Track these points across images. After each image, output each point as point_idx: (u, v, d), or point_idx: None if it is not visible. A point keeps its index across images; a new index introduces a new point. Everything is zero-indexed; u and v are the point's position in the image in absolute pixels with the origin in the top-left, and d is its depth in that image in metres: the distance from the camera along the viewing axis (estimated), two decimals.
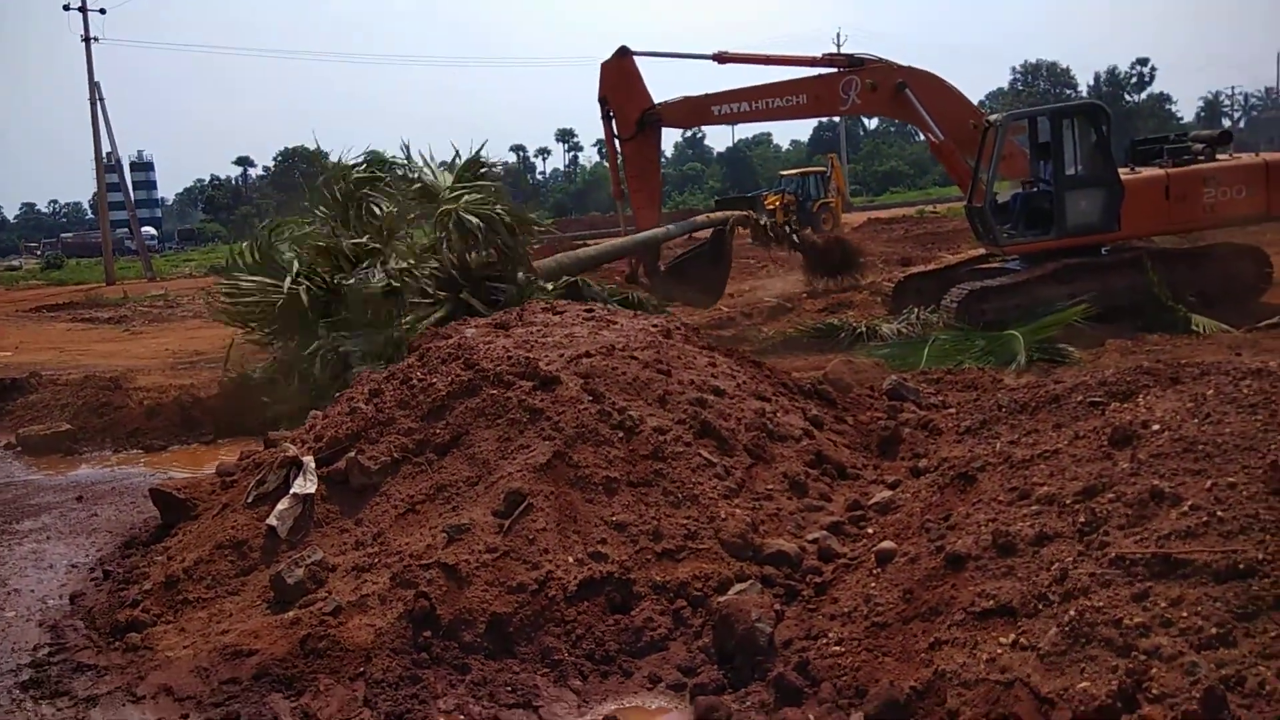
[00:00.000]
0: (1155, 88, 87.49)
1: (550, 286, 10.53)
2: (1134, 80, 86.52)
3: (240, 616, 4.60)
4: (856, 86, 13.31)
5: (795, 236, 15.71)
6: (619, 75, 13.60)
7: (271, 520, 5.05)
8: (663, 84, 13.81)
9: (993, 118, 12.35)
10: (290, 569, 4.61)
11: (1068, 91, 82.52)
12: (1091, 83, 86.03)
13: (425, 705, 3.82)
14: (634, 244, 13.50)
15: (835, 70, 13.50)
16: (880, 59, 13.45)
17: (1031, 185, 12.42)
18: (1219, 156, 12.03)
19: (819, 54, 13.77)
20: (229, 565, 5.00)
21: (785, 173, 37.90)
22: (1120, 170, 11.71)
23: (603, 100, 13.74)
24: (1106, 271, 11.46)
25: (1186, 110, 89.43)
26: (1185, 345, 9.82)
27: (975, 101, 14.59)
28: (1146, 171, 11.85)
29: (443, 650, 4.09)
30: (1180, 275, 11.33)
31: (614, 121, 13.76)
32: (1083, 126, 11.81)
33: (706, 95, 13.62)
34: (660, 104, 13.58)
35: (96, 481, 8.18)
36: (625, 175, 13.97)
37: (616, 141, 13.84)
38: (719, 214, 15.14)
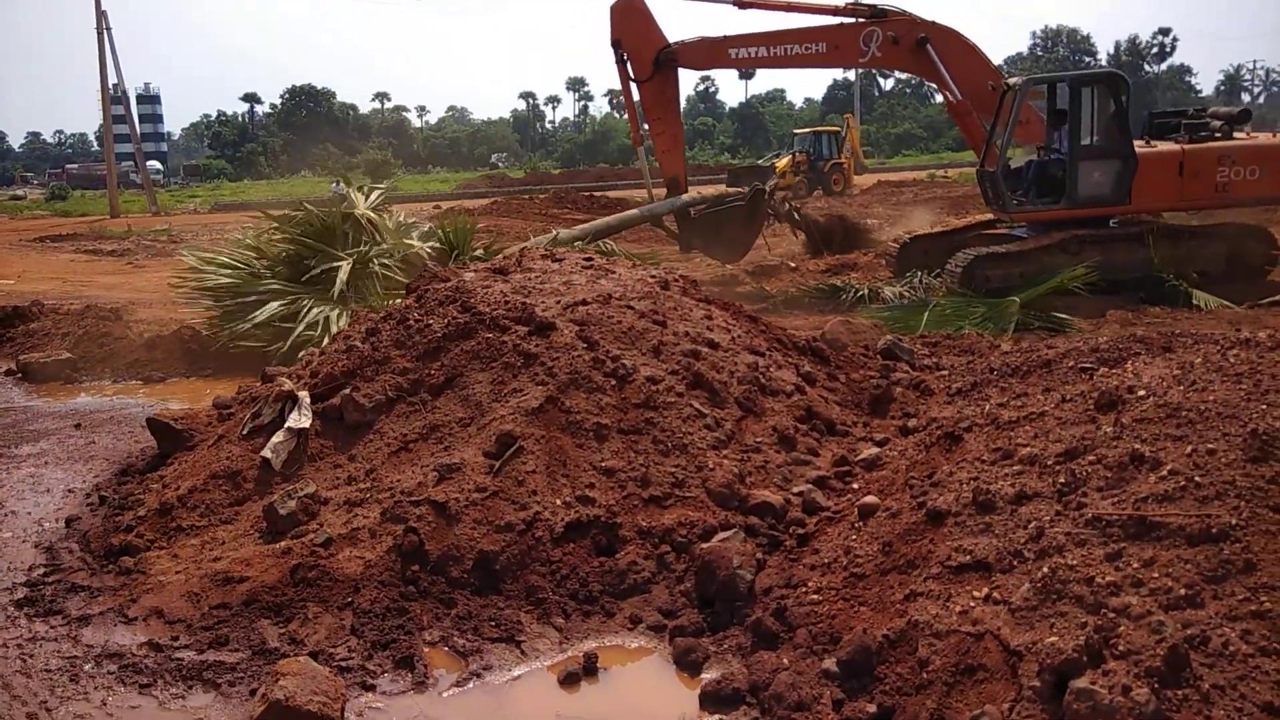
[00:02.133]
0: (1176, 59, 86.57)
1: None
2: (1155, 50, 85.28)
3: (232, 545, 4.68)
4: (877, 38, 13.05)
5: (796, 214, 15.57)
6: (630, 16, 13.33)
7: (266, 452, 5.11)
8: (679, 31, 13.60)
9: (1011, 81, 12.17)
10: (283, 500, 4.68)
11: (1087, 59, 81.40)
12: (1112, 51, 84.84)
13: (411, 636, 3.90)
14: (614, 225, 13.54)
15: (857, 20, 13.27)
16: (903, 11, 13.15)
17: (1046, 152, 12.30)
18: (1236, 134, 11.88)
19: (842, 3, 13.51)
20: (223, 495, 5.07)
21: (798, 131, 37.46)
22: (1135, 143, 11.59)
23: (615, 44, 13.44)
24: (1113, 244, 11.39)
25: (1207, 83, 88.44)
26: (1186, 319, 9.82)
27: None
28: (1161, 146, 11.70)
29: (430, 584, 4.17)
30: (1186, 252, 11.27)
31: (629, 65, 13.52)
32: (1102, 96, 11.64)
33: (724, 37, 13.36)
34: (676, 44, 13.35)
35: (95, 410, 8.25)
36: (645, 119, 13.72)
37: (634, 85, 13.56)
38: (710, 191, 14.85)
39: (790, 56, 13.40)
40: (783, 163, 31.42)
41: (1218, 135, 11.71)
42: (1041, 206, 11.83)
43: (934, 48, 12.85)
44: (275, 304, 9.16)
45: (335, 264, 9.46)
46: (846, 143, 34.63)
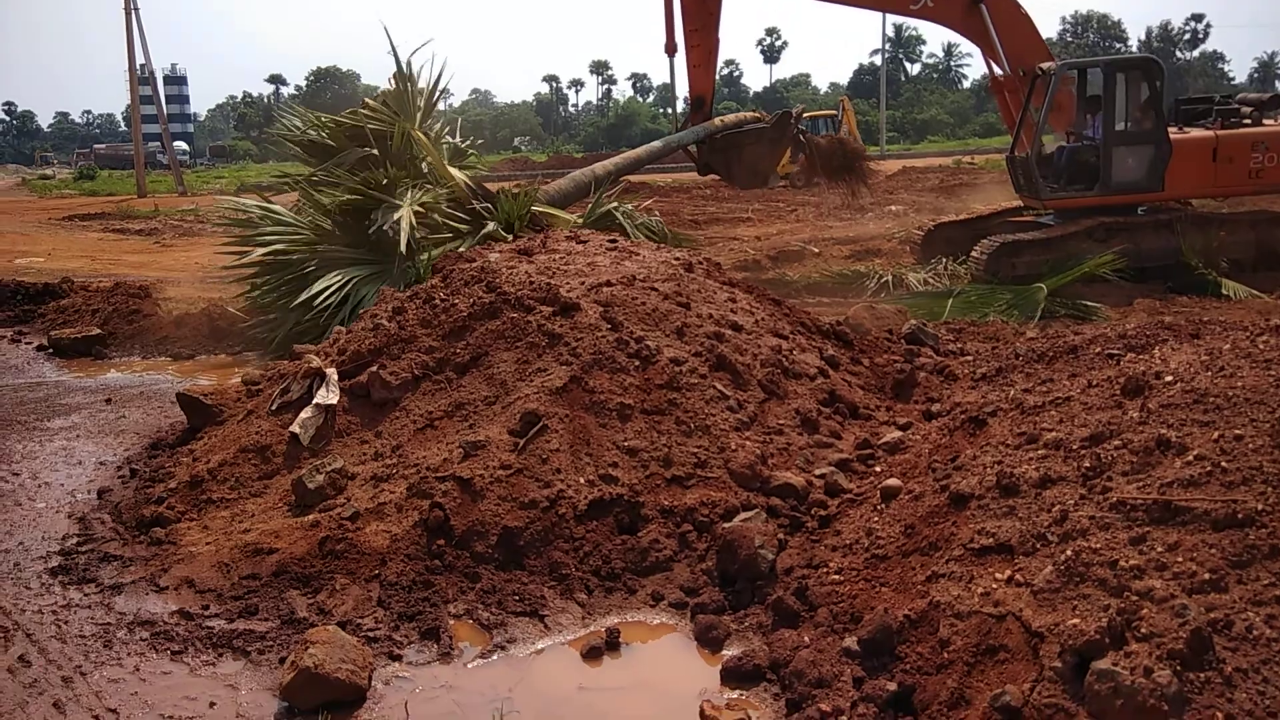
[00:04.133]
0: (1208, 46, 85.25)
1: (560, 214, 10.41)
2: (1187, 37, 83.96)
3: (262, 517, 4.76)
4: None
5: (801, 137, 15.41)
6: None
7: (294, 428, 5.18)
8: None
9: (1044, 66, 12.02)
10: (311, 474, 4.75)
11: (1117, 45, 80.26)
12: (1143, 37, 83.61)
13: (436, 608, 3.96)
14: (639, 159, 13.22)
15: None
16: None
17: (1075, 138, 12.17)
18: (1265, 120, 11.74)
19: None
20: (252, 469, 5.16)
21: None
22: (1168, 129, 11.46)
23: None
24: (1141, 232, 11.29)
25: (1239, 70, 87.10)
26: (1214, 308, 9.72)
27: None
28: (1195, 132, 11.58)
29: (455, 559, 4.23)
30: (1214, 241, 11.16)
31: None
32: (1135, 81, 11.51)
33: None
34: None
35: (125, 385, 8.38)
36: (683, 29, 13.39)
37: None
38: (732, 118, 14.56)
39: None
40: None
41: (1248, 121, 11.58)
42: (1074, 193, 11.71)
43: (989, 10, 12.48)
44: (324, 280, 8.90)
45: (396, 211, 9.16)
46: (843, 126, 34.10)
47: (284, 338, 8.89)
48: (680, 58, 13.49)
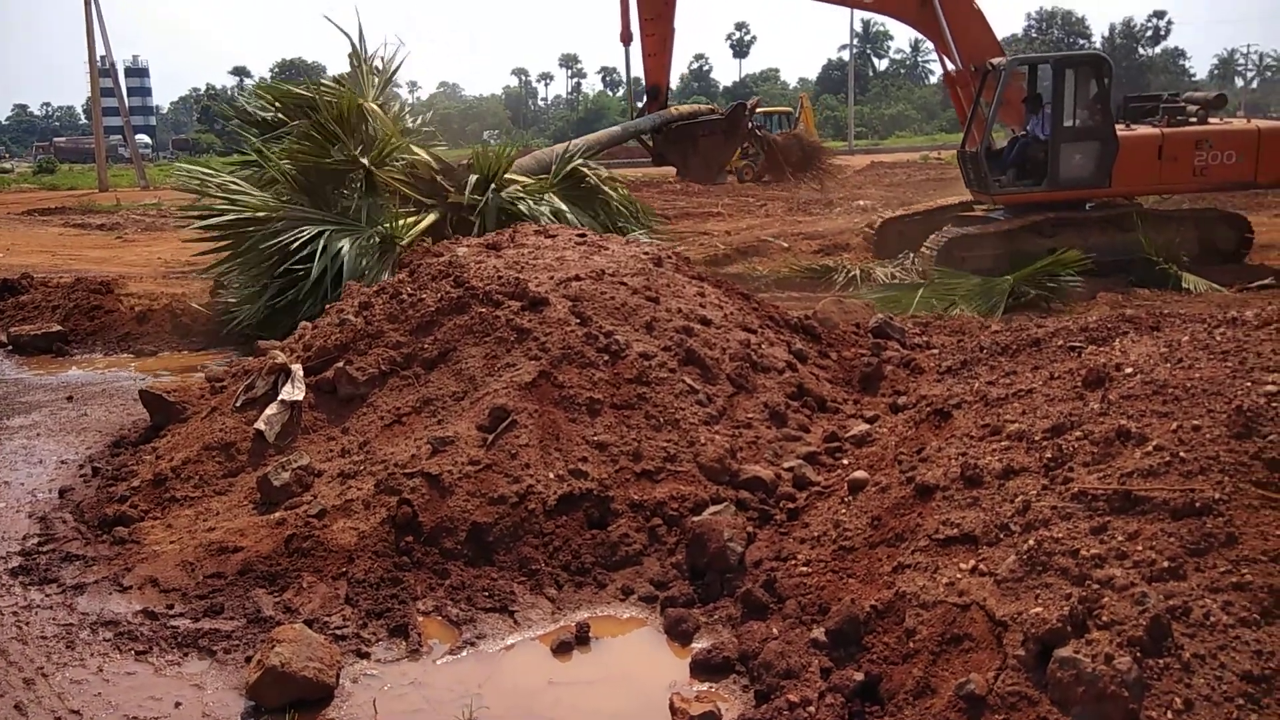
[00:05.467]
0: (1170, 42, 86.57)
1: (530, 181, 10.40)
2: (1149, 33, 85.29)
3: (227, 515, 4.71)
4: None
5: (758, 132, 15.53)
6: None
7: (260, 425, 5.13)
8: None
9: (995, 61, 12.17)
10: (277, 472, 4.70)
11: (1081, 41, 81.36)
12: (1106, 34, 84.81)
13: (405, 605, 3.94)
14: (599, 142, 13.30)
15: None
16: None
17: (1023, 134, 12.33)
18: (1211, 120, 11.98)
19: None
20: (217, 466, 5.10)
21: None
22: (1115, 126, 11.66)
23: None
24: (1090, 228, 11.49)
25: (1201, 67, 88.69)
26: (1175, 302, 9.90)
27: None
28: (1141, 129, 11.80)
29: (423, 555, 4.21)
30: (1162, 236, 11.36)
31: None
32: (1084, 78, 11.70)
33: None
34: None
35: (86, 383, 8.24)
36: (638, 18, 13.38)
37: None
38: (688, 108, 14.68)
39: None
40: None
41: (1193, 120, 11.80)
42: (1023, 188, 11.87)
43: (941, 5, 12.61)
44: (295, 234, 8.68)
45: (352, 170, 9.04)
46: (800, 123, 34.04)
47: (263, 308, 8.72)
48: (636, 47, 13.55)
